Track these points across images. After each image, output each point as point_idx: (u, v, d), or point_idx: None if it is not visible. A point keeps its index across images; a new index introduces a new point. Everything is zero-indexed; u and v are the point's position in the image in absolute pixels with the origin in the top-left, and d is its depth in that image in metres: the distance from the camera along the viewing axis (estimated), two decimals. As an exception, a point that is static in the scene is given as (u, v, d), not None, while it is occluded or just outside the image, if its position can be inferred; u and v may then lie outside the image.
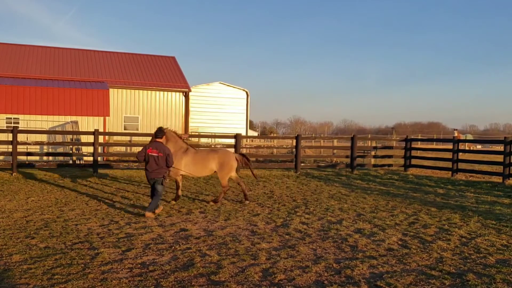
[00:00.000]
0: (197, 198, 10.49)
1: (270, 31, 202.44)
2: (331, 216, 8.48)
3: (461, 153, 18.55)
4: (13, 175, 13.81)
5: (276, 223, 7.76)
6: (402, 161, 18.55)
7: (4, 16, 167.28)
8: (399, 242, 6.51)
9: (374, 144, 22.64)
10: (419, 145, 31.25)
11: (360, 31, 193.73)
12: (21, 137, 15.58)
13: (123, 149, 23.91)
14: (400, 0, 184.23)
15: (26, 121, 23.06)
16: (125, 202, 9.71)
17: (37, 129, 21.40)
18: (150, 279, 4.75)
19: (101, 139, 20.95)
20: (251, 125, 58.77)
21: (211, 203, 9.64)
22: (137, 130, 28.32)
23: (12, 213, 8.21)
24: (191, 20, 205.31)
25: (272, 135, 68.81)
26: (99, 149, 15.48)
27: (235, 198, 10.39)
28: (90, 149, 16.79)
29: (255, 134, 59.34)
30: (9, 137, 14.37)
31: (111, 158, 19.54)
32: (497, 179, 14.69)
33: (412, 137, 19.94)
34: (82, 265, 5.16)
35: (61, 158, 19.35)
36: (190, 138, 27.12)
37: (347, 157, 18.26)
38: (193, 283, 4.67)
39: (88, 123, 24.29)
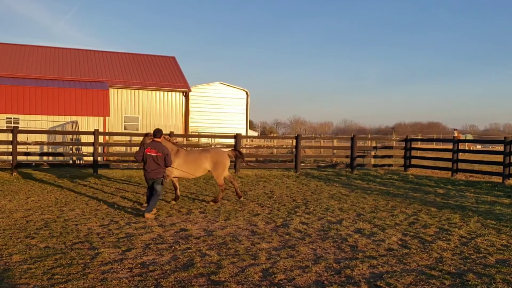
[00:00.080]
0: (197, 198, 10.49)
1: (270, 31, 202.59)
2: (331, 216, 8.48)
3: (461, 153, 18.55)
4: (13, 175, 13.81)
5: (276, 223, 7.76)
6: (402, 161, 18.55)
7: (4, 16, 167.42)
8: (399, 242, 6.51)
9: (374, 144, 22.65)
10: (419, 145, 31.25)
11: (360, 31, 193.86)
12: (21, 137, 15.59)
13: (123, 149, 23.91)
14: (400, 0, 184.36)
15: (26, 121, 23.07)
16: (125, 202, 9.71)
17: (37, 129, 21.41)
18: (150, 279, 4.75)
19: (101, 139, 20.97)
20: (251, 125, 58.79)
21: (211, 203, 9.65)
22: (137, 130, 28.31)
23: (12, 213, 8.21)
24: (191, 20, 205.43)
25: (272, 135, 68.83)
26: (99, 149, 15.48)
27: (235, 198, 10.40)
28: (90, 149, 16.79)
29: (255, 134, 59.34)
30: (9, 137, 14.38)
31: (111, 158, 19.54)
32: (497, 179, 14.69)
33: (412, 137, 19.93)
34: (82, 265, 5.16)
35: (61, 158, 19.35)
36: (190, 139, 27.14)
37: (347, 157, 18.26)
38: (193, 283, 4.67)
39: (88, 123, 24.30)
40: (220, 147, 17.09)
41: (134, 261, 5.37)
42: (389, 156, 20.65)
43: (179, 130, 29.29)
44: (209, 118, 31.99)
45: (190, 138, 27.65)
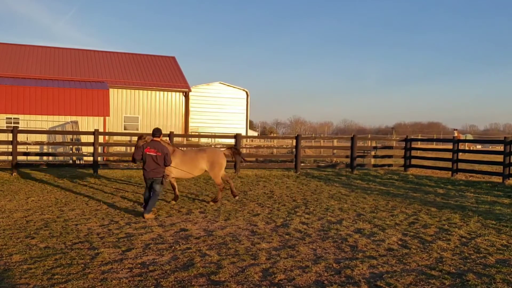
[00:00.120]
0: (197, 198, 10.49)
1: (270, 31, 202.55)
2: (331, 216, 8.48)
3: (461, 153, 18.55)
4: (13, 175, 13.81)
5: (276, 223, 7.76)
6: (402, 161, 18.55)
7: (4, 16, 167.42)
8: (399, 242, 6.51)
9: (374, 144, 22.66)
10: (419, 145, 31.25)
11: (360, 31, 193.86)
12: (21, 137, 15.59)
13: (123, 149, 23.90)
14: (400, 0, 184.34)
15: (26, 121, 23.08)
16: (125, 202, 9.71)
17: (37, 129, 21.42)
18: (150, 279, 4.75)
19: (101, 139, 20.97)
20: (251, 125, 58.79)
21: (211, 203, 9.65)
22: (137, 130, 28.30)
23: (12, 213, 8.21)
24: (191, 20, 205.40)
25: (272, 135, 68.83)
26: (99, 149, 15.48)
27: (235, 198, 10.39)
28: (90, 149, 16.80)
29: (255, 134, 59.34)
30: (9, 137, 14.38)
31: (111, 158, 19.54)
32: (497, 179, 14.69)
33: (412, 137, 19.94)
34: (82, 265, 5.16)
35: (61, 158, 19.35)
36: (190, 139, 27.14)
37: (347, 157, 18.26)
38: (193, 283, 4.67)
39: (88, 123, 24.31)
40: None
41: (134, 261, 5.37)
42: (389, 156, 20.65)
43: (179, 130, 29.29)
44: (209, 118, 31.99)
45: (190, 138, 27.65)
